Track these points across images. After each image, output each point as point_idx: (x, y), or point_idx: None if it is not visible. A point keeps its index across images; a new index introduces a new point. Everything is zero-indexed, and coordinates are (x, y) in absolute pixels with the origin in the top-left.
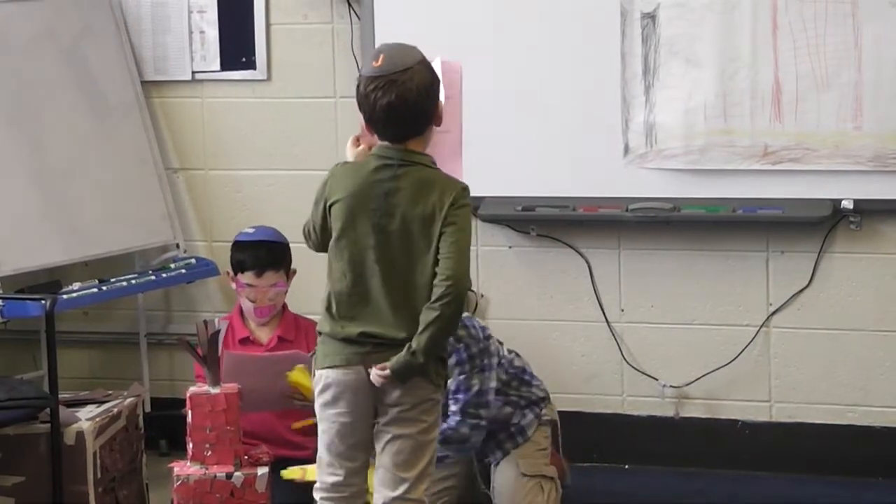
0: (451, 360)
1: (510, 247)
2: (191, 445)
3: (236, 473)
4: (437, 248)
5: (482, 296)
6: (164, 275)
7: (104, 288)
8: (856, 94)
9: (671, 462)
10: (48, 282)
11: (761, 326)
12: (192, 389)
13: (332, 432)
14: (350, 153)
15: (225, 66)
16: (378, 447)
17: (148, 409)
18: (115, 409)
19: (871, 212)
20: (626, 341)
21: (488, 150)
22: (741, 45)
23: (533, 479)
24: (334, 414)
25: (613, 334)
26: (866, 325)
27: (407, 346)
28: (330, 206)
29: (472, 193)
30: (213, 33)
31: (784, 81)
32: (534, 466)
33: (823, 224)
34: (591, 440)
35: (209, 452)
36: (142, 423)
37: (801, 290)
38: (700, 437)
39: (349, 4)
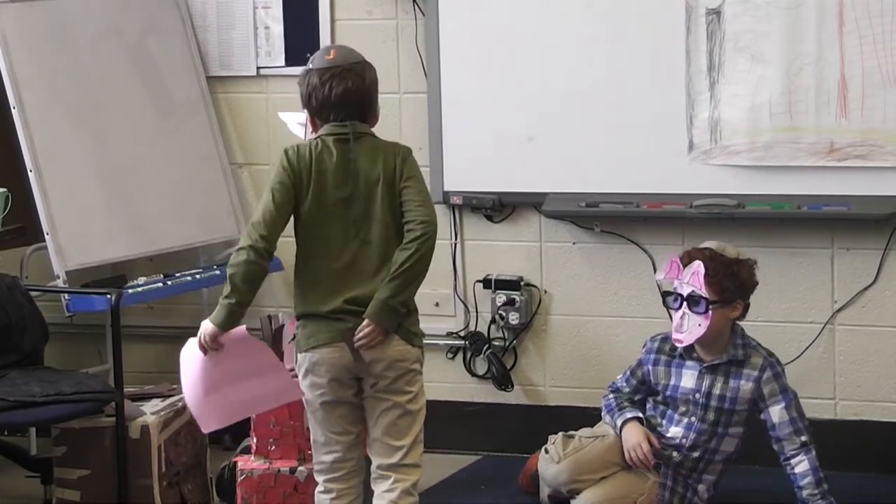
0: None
1: (574, 243)
2: (255, 440)
3: (300, 468)
4: (400, 203)
5: (545, 292)
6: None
7: (169, 283)
8: None
9: (735, 459)
10: (113, 276)
11: (826, 324)
12: None
13: (323, 411)
14: None
15: (289, 61)
16: (370, 421)
17: None
18: (180, 404)
19: None
20: None
21: (552, 147)
22: (807, 41)
23: None
24: (323, 393)
25: None
26: None
27: (378, 291)
28: (299, 186)
29: (537, 189)
30: (277, 29)
31: (850, 77)
32: None
33: (889, 221)
34: None
35: (273, 447)
36: None
37: (866, 288)
38: (764, 435)
39: (414, 1)
